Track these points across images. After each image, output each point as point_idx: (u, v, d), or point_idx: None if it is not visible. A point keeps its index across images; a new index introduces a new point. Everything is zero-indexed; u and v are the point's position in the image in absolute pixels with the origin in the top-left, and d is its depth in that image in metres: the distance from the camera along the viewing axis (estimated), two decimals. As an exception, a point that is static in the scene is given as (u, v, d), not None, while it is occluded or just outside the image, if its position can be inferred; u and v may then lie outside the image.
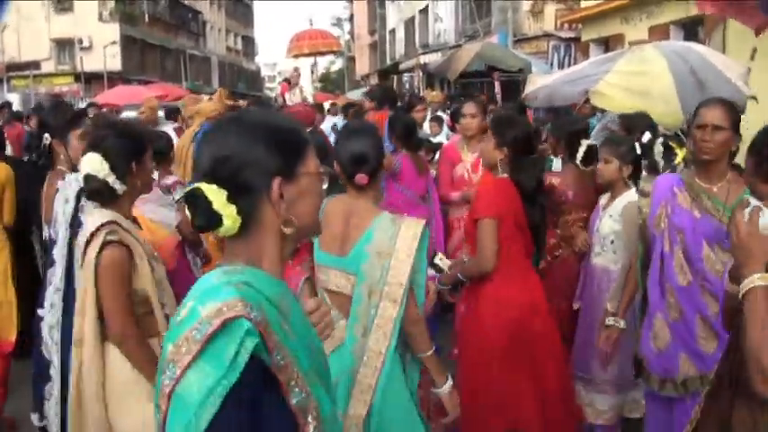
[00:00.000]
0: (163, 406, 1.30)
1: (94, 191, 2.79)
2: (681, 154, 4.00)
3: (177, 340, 1.29)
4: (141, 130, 3.22)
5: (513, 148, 3.65)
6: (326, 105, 14.11)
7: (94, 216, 2.78)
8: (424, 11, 32.57)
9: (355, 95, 22.09)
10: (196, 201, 1.38)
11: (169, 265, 3.72)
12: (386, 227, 2.77)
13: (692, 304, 3.19)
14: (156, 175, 4.21)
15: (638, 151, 4.11)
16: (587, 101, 6.87)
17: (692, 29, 12.85)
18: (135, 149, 2.84)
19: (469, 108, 5.52)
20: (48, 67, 38.19)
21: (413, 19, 34.93)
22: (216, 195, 1.37)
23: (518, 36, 21.02)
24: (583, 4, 17.05)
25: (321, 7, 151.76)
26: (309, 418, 1.37)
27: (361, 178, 2.76)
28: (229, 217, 1.38)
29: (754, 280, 1.89)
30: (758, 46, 9.71)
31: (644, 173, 4.19)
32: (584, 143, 4.59)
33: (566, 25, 18.22)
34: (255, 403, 1.27)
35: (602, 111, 7.24)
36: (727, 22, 11.13)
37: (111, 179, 2.74)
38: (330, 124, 11.02)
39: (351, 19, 55.78)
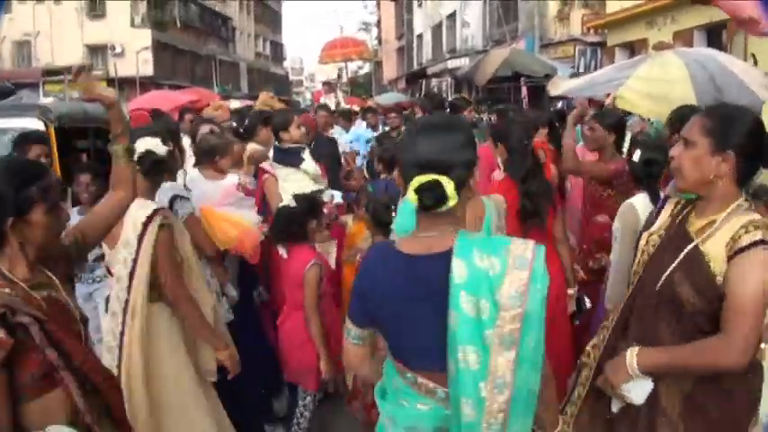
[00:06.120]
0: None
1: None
2: None
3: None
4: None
5: None
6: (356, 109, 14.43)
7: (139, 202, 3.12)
8: (452, 16, 32.78)
9: (383, 99, 22.32)
10: None
11: (254, 258, 4.05)
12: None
13: None
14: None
15: None
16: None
17: (715, 34, 13.04)
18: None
19: None
20: (81, 72, 38.78)
21: (440, 24, 35.16)
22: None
23: (544, 41, 21.23)
24: (609, 9, 17.25)
25: (349, 11, 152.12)
26: None
27: None
28: None
29: None
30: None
31: None
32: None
33: (592, 30, 18.40)
34: None
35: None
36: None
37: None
38: (363, 127, 11.38)
39: (378, 24, 56.15)
